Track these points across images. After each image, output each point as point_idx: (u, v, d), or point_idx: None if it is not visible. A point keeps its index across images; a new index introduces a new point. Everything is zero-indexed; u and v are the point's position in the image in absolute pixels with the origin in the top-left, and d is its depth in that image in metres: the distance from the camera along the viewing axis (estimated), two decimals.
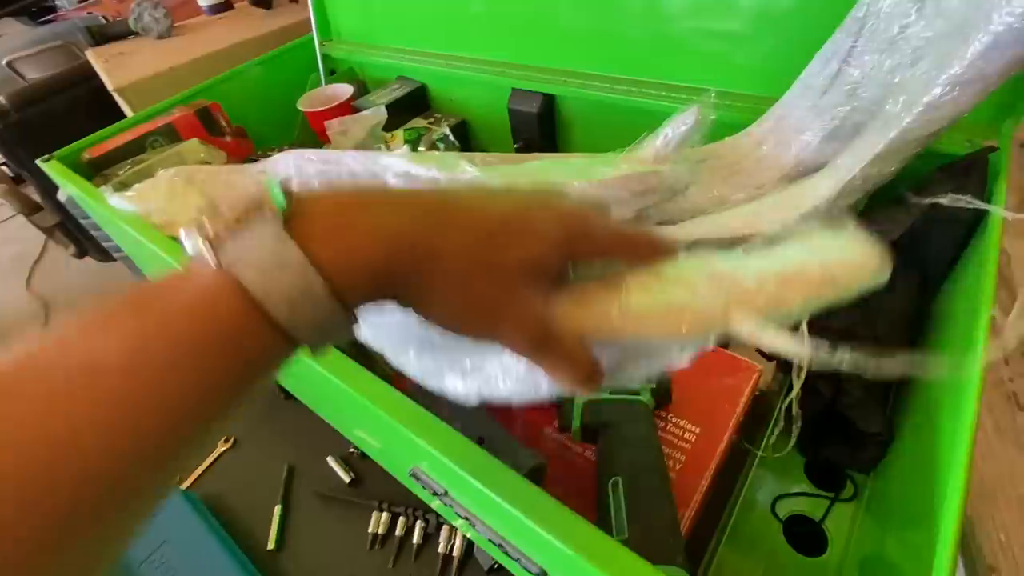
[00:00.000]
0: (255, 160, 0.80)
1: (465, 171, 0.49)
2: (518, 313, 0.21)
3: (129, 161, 0.72)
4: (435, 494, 0.34)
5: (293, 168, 0.56)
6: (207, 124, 0.81)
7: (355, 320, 0.20)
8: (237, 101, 0.87)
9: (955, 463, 0.25)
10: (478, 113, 0.83)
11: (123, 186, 0.65)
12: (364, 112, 0.78)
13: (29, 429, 0.14)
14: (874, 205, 0.43)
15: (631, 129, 0.66)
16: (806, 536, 0.39)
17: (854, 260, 0.25)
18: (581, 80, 0.68)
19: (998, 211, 0.36)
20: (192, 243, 0.18)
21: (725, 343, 0.46)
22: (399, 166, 0.51)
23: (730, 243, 0.46)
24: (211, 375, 0.17)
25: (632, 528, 0.28)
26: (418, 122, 0.85)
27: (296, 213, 0.18)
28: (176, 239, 0.52)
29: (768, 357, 0.45)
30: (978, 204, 0.36)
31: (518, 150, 0.76)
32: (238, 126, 0.86)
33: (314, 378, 0.39)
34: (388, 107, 0.80)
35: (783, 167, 0.48)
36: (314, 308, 0.18)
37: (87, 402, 0.15)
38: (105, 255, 1.64)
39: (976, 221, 0.39)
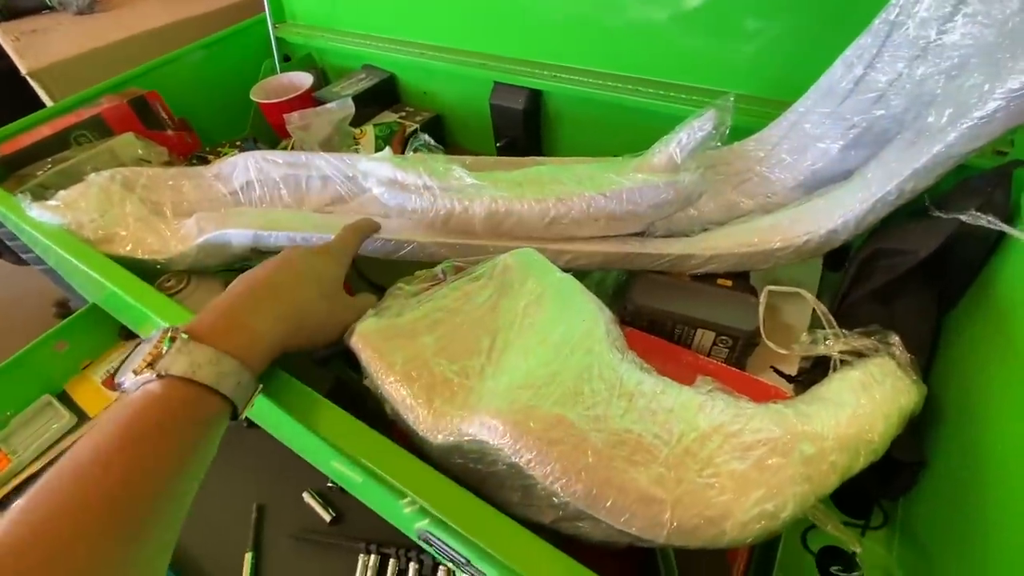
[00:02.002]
0: (203, 157, 0.71)
1: (461, 179, 0.43)
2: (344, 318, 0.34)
3: (50, 160, 0.61)
4: (454, 562, 0.30)
5: (253, 171, 0.49)
6: (143, 116, 0.71)
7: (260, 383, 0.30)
8: (178, 89, 0.77)
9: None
10: (455, 107, 0.77)
11: (43, 190, 0.55)
12: (329, 105, 0.71)
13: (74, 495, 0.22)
14: (890, 218, 0.42)
15: (624, 129, 0.63)
16: (840, 567, 0.37)
17: (904, 401, 0.30)
18: (570, 75, 0.63)
19: (1022, 236, 0.34)
20: (132, 381, 0.26)
21: (742, 365, 0.44)
22: (383, 172, 0.45)
23: (750, 257, 0.43)
24: (185, 432, 0.26)
25: None
26: (388, 116, 0.78)
27: (203, 332, 0.28)
28: (112, 256, 0.44)
29: (789, 379, 0.43)
30: (1002, 227, 0.35)
31: (500, 149, 0.71)
32: (181, 118, 0.76)
33: (281, 421, 0.33)
34: (354, 99, 0.73)
35: (798, 175, 0.46)
36: (234, 379, 0.28)
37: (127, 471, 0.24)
38: (20, 258, 1.46)
39: (1000, 239, 0.38)
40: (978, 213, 0.35)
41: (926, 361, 0.41)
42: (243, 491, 0.56)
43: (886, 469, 0.38)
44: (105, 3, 1.12)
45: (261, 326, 0.30)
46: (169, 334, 0.27)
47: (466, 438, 0.25)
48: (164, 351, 0.26)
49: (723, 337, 0.41)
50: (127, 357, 0.28)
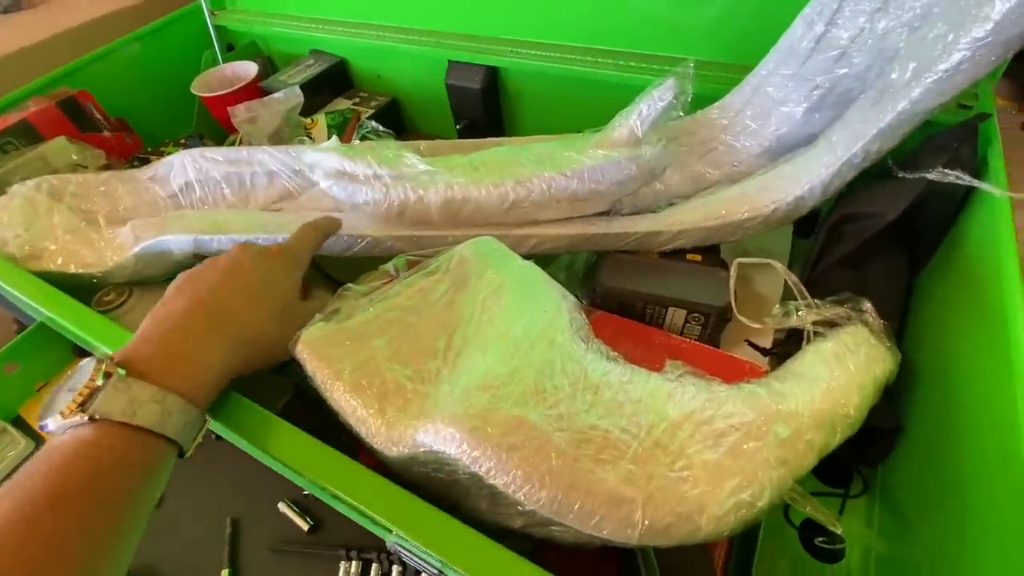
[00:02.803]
0: (145, 158, 0.67)
1: (413, 166, 0.41)
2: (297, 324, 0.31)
3: None
4: (427, 573, 0.28)
5: (192, 171, 0.46)
6: (75, 118, 0.66)
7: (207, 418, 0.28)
8: (114, 87, 0.73)
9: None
10: (411, 90, 0.73)
11: None
12: (275, 95, 0.67)
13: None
14: (857, 181, 0.41)
15: (586, 103, 0.60)
16: (823, 538, 0.37)
17: (879, 370, 0.30)
18: (528, 50, 0.60)
19: (992, 190, 0.33)
20: (59, 425, 0.23)
21: (715, 341, 0.43)
22: (329, 164, 0.42)
23: (718, 230, 0.42)
24: (122, 484, 0.23)
25: None
26: (341, 103, 0.74)
27: (142, 366, 0.25)
28: (42, 273, 0.41)
29: (764, 351, 0.42)
30: (971, 181, 0.34)
31: (460, 131, 0.68)
32: (118, 118, 0.71)
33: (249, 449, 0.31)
34: (303, 87, 0.69)
35: (763, 141, 0.44)
36: (178, 418, 0.25)
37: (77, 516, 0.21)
38: None
39: (968, 195, 0.37)
40: (945, 170, 0.34)
41: (899, 324, 0.40)
42: (216, 506, 0.54)
43: (864, 437, 0.37)
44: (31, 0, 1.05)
45: (209, 357, 0.27)
46: (103, 368, 0.24)
47: (422, 449, 0.23)
48: (97, 389, 0.23)
49: (694, 314, 0.40)
50: (52, 394, 0.25)
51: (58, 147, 0.61)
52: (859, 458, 0.39)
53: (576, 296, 0.47)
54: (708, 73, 0.51)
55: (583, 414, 0.24)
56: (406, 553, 0.28)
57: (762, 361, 0.42)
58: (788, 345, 0.41)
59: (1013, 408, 0.25)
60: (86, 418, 0.23)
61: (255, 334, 0.29)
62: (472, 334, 0.28)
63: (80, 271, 0.42)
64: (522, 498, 0.21)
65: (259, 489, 0.54)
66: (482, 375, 0.25)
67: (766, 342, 0.43)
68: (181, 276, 0.32)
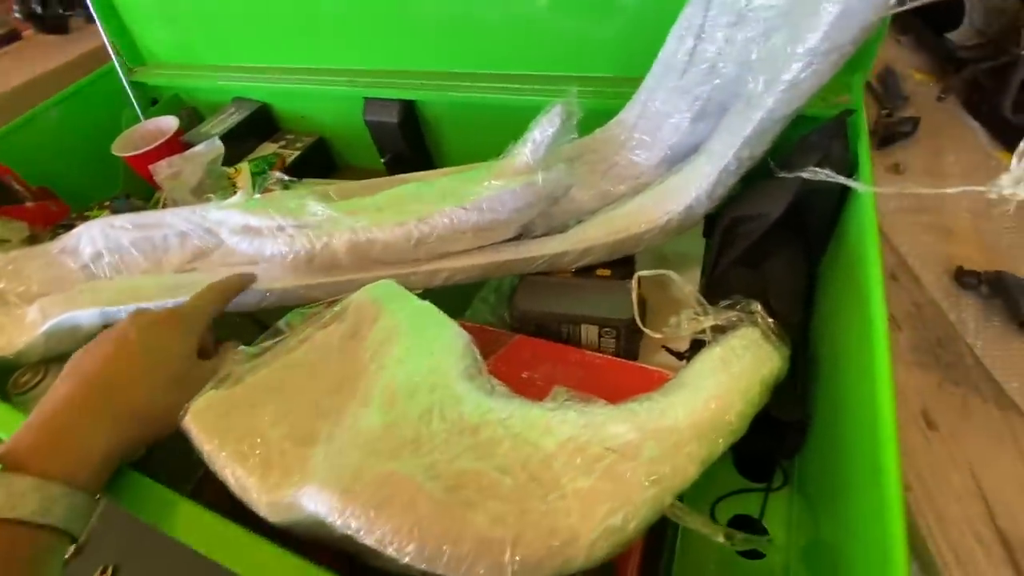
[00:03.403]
0: (71, 224, 0.66)
1: (315, 213, 0.41)
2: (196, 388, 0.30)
3: None
4: None
5: (101, 241, 0.46)
6: None
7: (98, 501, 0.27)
8: (34, 155, 0.72)
9: (880, 437, 0.24)
10: (335, 128, 0.74)
11: None
12: (196, 148, 0.67)
13: None
14: (747, 182, 0.42)
15: (502, 128, 0.61)
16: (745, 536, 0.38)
17: (767, 371, 0.31)
18: (440, 80, 0.61)
19: (856, 185, 0.35)
20: None
21: (633, 352, 0.44)
22: (234, 220, 0.42)
23: (621, 244, 0.43)
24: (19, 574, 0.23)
25: None
26: (267, 147, 0.74)
27: (19, 457, 0.25)
28: None
29: (679, 356, 0.43)
30: (839, 179, 0.35)
31: (386, 164, 0.69)
32: (40, 187, 0.71)
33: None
34: (226, 136, 0.69)
35: (658, 152, 0.45)
36: (64, 506, 0.24)
37: None
38: None
39: (846, 189, 0.38)
40: (817, 168, 0.36)
41: (803, 317, 0.42)
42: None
43: (777, 431, 0.39)
44: None
45: (92, 442, 0.27)
46: None
47: (304, 514, 0.23)
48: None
49: (606, 329, 0.41)
50: None
51: None
52: (776, 452, 0.40)
53: (506, 316, 0.48)
54: (611, 89, 0.52)
55: (458, 458, 0.24)
56: None
57: (679, 365, 0.43)
58: (700, 347, 0.42)
59: (872, 394, 0.26)
60: None
61: (143, 407, 0.29)
62: (359, 386, 0.28)
63: None
64: (393, 553, 0.21)
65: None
66: (357, 432, 0.25)
67: (683, 346, 0.44)
68: (75, 355, 0.32)
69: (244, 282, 0.39)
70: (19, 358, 0.43)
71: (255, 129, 0.75)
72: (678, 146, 0.44)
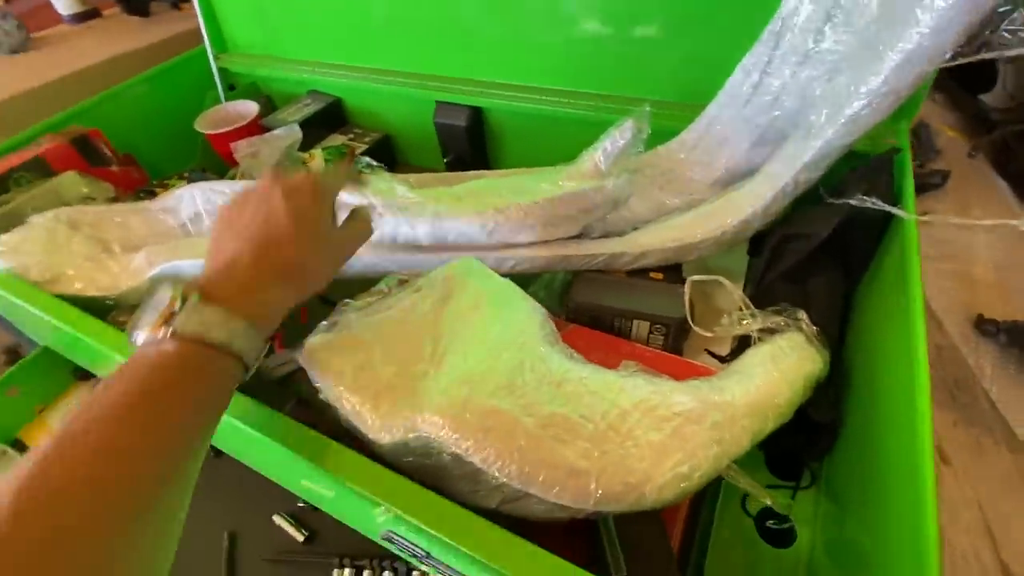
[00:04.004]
0: (151, 191, 0.71)
1: (404, 196, 0.46)
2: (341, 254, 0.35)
3: None
4: (415, 557, 0.32)
5: (200, 202, 0.50)
6: (86, 153, 0.71)
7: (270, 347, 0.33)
8: (121, 125, 0.77)
9: (913, 450, 0.27)
10: (402, 127, 0.79)
11: None
12: (275, 131, 0.72)
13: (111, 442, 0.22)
14: (796, 207, 0.46)
15: (562, 139, 0.66)
16: (777, 529, 0.41)
17: (810, 368, 0.35)
18: (508, 92, 0.67)
19: (900, 213, 0.39)
20: (146, 338, 0.27)
21: (679, 350, 0.47)
22: None
23: (676, 251, 0.47)
24: (200, 390, 0.26)
25: (631, 566, 0.27)
26: (336, 139, 0.79)
27: (212, 294, 0.28)
28: (60, 296, 0.44)
29: (720, 359, 0.47)
30: (884, 206, 0.40)
31: (448, 164, 0.74)
32: (126, 154, 0.76)
33: (255, 442, 0.34)
34: (301, 124, 0.75)
35: (714, 172, 0.50)
36: (253, 343, 0.28)
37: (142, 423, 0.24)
38: None
39: (889, 217, 0.42)
40: (864, 197, 0.40)
41: (838, 331, 0.45)
42: (213, 520, 0.56)
43: (810, 432, 0.42)
44: (37, 41, 1.10)
45: (264, 293, 0.29)
46: (181, 293, 0.27)
47: (411, 435, 0.27)
48: (177, 310, 0.26)
49: (657, 326, 0.45)
50: (137, 313, 0.29)
51: (69, 181, 0.66)
52: (807, 452, 0.43)
53: (554, 310, 0.52)
54: (667, 112, 0.57)
55: (547, 403, 0.28)
56: (399, 539, 0.32)
57: (720, 367, 0.46)
58: (742, 352, 0.45)
59: (912, 404, 0.29)
60: (168, 334, 0.26)
61: (298, 265, 0.30)
62: (455, 341, 0.32)
63: (96, 294, 0.46)
64: (496, 472, 0.25)
65: (255, 503, 0.56)
66: (462, 372, 0.29)
67: (723, 350, 0.47)
68: (222, 214, 0.33)
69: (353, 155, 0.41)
70: (120, 300, 0.47)
71: (326, 120, 0.80)
72: (733, 168, 0.49)
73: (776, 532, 0.39)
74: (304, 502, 0.56)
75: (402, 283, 0.38)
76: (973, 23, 0.30)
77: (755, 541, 0.40)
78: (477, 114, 0.69)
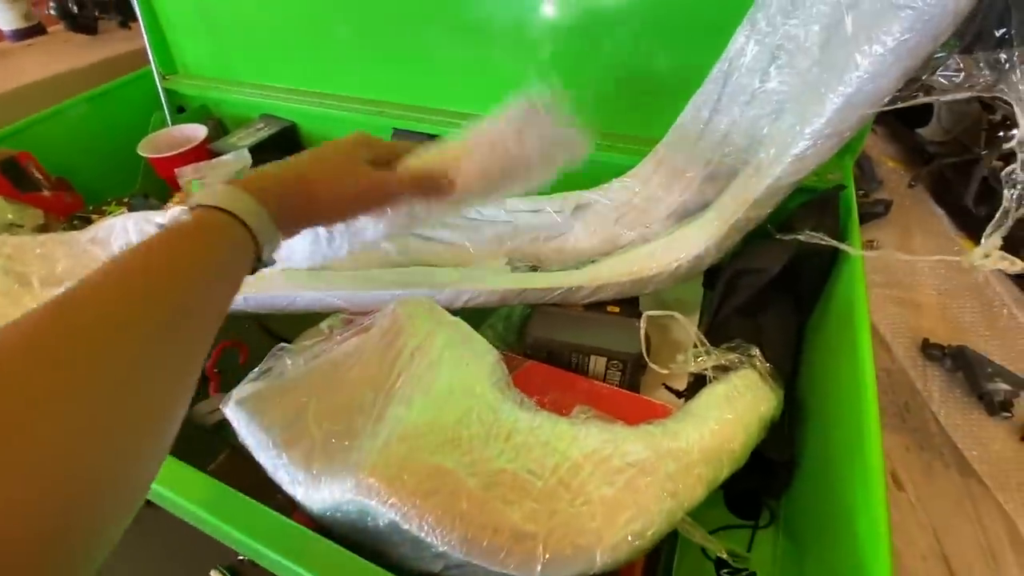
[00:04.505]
0: (86, 217, 0.67)
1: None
2: (372, 196, 0.36)
3: None
4: None
5: (133, 234, 0.47)
6: (14, 178, 0.66)
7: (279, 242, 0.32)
8: (58, 147, 0.73)
9: (868, 482, 0.27)
10: None
11: None
12: (224, 156, 0.69)
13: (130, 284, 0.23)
14: (748, 241, 0.46)
15: None
16: (737, 569, 0.40)
17: (764, 409, 0.34)
18: (462, 120, 0.66)
19: (847, 248, 0.40)
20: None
21: (636, 385, 0.46)
22: None
23: (632, 284, 0.46)
24: (216, 251, 0.27)
25: None
26: None
27: (243, 186, 0.30)
28: None
29: (678, 394, 0.46)
30: (831, 242, 0.40)
31: None
32: (59, 177, 0.72)
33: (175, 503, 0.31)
34: (253, 149, 0.72)
35: (668, 206, 0.50)
36: (264, 226, 0.29)
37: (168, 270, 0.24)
38: None
39: (835, 253, 0.43)
40: (812, 233, 0.40)
41: (791, 365, 0.45)
42: (145, 571, 0.52)
43: (766, 471, 0.41)
44: None
45: (291, 200, 0.31)
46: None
47: (345, 499, 0.25)
48: (190, 192, 0.28)
49: (614, 361, 0.44)
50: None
51: None
52: (765, 491, 0.43)
53: (512, 344, 0.50)
54: (622, 145, 0.57)
55: (494, 459, 0.26)
56: None
57: (677, 402, 0.45)
58: (698, 387, 0.45)
59: (861, 436, 0.29)
60: (187, 208, 0.27)
61: (309, 182, 0.33)
62: (398, 388, 0.30)
63: None
64: (436, 540, 0.23)
65: (191, 556, 0.52)
66: (403, 427, 0.27)
67: (681, 384, 0.47)
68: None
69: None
70: None
71: (279, 145, 0.78)
72: (687, 203, 0.49)
73: (735, 569, 0.38)
74: (244, 556, 0.52)
75: (347, 322, 0.36)
76: (911, 68, 0.31)
77: None
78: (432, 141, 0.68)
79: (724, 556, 0.28)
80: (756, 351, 0.38)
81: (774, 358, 0.42)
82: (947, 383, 0.73)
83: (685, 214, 0.49)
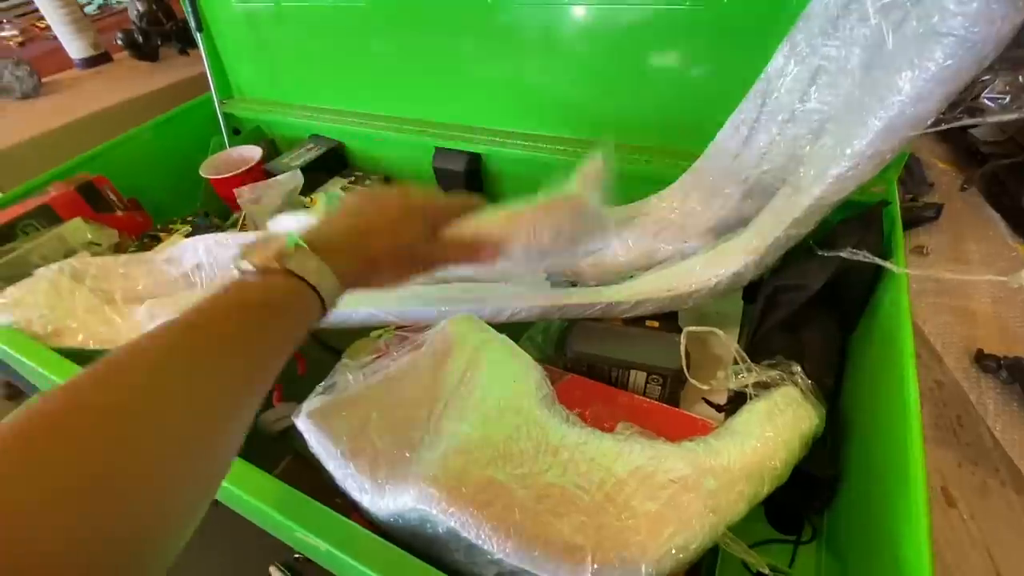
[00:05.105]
0: (155, 235, 0.72)
1: None
2: (423, 269, 0.36)
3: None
4: None
5: (203, 254, 0.51)
6: (92, 200, 0.72)
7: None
8: (128, 170, 0.79)
9: (912, 498, 0.27)
10: (401, 171, 0.81)
11: None
12: (278, 177, 0.74)
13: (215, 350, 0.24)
14: (788, 256, 0.47)
15: (554, 183, 0.68)
16: None
17: (806, 426, 0.35)
18: (507, 138, 0.68)
19: (891, 267, 0.40)
20: (245, 264, 0.28)
21: (675, 400, 0.47)
22: None
23: (672, 300, 0.47)
24: (286, 319, 0.28)
25: None
26: (338, 182, 0.81)
27: (315, 247, 0.30)
28: (61, 350, 0.45)
29: (718, 408, 0.47)
30: (875, 260, 0.40)
31: None
32: (130, 199, 0.78)
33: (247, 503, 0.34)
34: (303, 169, 0.76)
35: (706, 222, 0.51)
36: (332, 290, 0.30)
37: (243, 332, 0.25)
38: None
39: (879, 269, 0.43)
40: (854, 250, 0.40)
41: (834, 381, 0.45)
42: (208, 570, 0.55)
43: (809, 487, 0.42)
44: (50, 85, 1.13)
45: (350, 260, 0.32)
46: (295, 241, 0.30)
47: (407, 507, 0.27)
48: (290, 252, 0.29)
49: (654, 376, 0.45)
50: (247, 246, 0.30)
51: (74, 227, 0.67)
52: (806, 506, 0.43)
53: (552, 356, 0.52)
54: (660, 160, 0.58)
55: (543, 473, 0.28)
56: None
57: (717, 417, 0.46)
58: (739, 401, 0.45)
59: (905, 463, 0.29)
60: (280, 268, 0.28)
61: (382, 256, 0.33)
62: (453, 404, 0.32)
63: (97, 347, 0.47)
64: (492, 548, 0.25)
65: (250, 553, 0.56)
66: (459, 441, 0.29)
67: (721, 399, 0.47)
68: (350, 198, 0.38)
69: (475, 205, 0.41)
70: None
71: (328, 164, 0.82)
72: (726, 219, 0.49)
73: None
74: (300, 553, 0.55)
75: (401, 340, 0.39)
76: (953, 92, 0.31)
77: None
78: (475, 160, 0.71)
79: (765, 571, 0.29)
80: (797, 368, 0.39)
81: (816, 373, 0.42)
82: (1003, 396, 0.70)
83: (724, 230, 0.49)
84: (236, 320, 0.25)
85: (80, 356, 0.45)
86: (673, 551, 0.26)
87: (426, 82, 0.73)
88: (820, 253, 0.42)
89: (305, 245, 0.30)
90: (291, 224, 0.49)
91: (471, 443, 0.29)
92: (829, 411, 0.40)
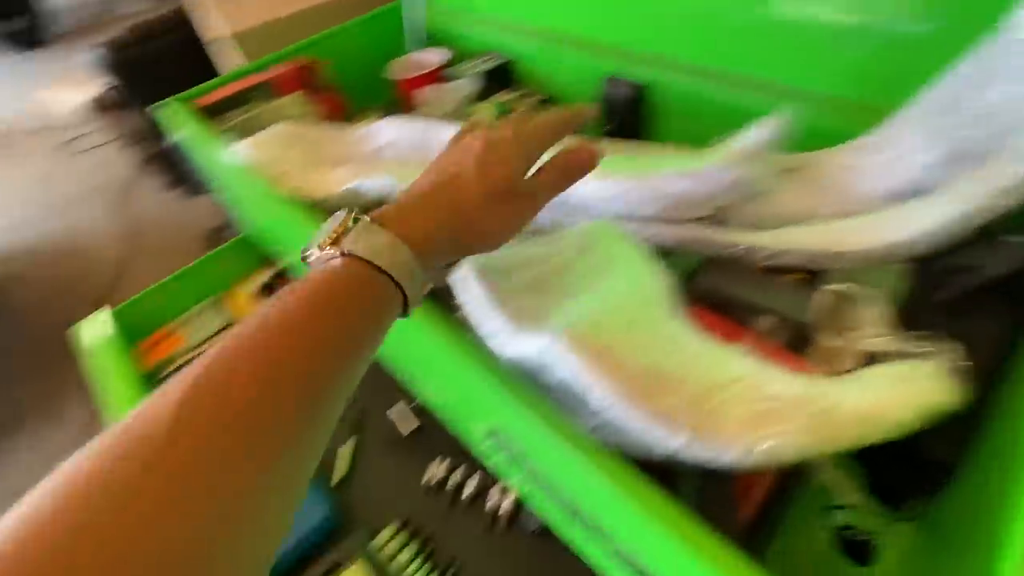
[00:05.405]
0: (349, 121, 0.84)
1: None
2: (531, 208, 0.33)
3: (238, 110, 0.77)
4: (512, 458, 0.38)
5: (395, 133, 0.60)
6: (308, 81, 0.85)
7: (431, 280, 0.30)
8: (334, 59, 0.91)
9: None
10: (567, 91, 0.83)
11: (234, 131, 0.70)
12: (455, 82, 0.80)
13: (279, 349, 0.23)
14: (968, 236, 0.42)
15: (722, 125, 0.65)
16: (854, 541, 0.40)
17: (935, 400, 0.31)
18: (682, 71, 0.67)
19: None
20: (317, 256, 0.27)
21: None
22: None
23: (822, 256, 0.46)
24: (364, 316, 0.26)
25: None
26: (505, 95, 0.86)
27: (383, 219, 0.28)
28: (285, 194, 0.57)
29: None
30: None
31: (606, 133, 0.76)
32: (334, 85, 0.90)
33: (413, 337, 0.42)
34: (475, 80, 0.82)
35: (883, 186, 0.47)
36: (409, 268, 0.27)
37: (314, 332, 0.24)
38: (194, 190, 1.76)
39: None
40: None
41: (991, 375, 0.41)
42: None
43: (920, 467, 0.40)
44: None
45: (433, 231, 0.29)
46: (353, 215, 0.27)
47: (533, 353, 0.32)
48: (348, 228, 0.27)
49: (781, 327, 0.45)
50: (314, 235, 0.28)
51: (294, 101, 0.80)
52: (914, 487, 0.41)
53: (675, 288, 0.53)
54: (843, 112, 0.54)
55: (654, 353, 0.31)
56: (500, 436, 0.38)
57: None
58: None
59: None
60: (338, 252, 0.26)
61: (472, 211, 0.30)
62: (587, 285, 0.36)
63: (306, 196, 0.58)
64: (597, 397, 0.29)
65: (377, 392, 0.67)
66: (589, 312, 0.33)
67: (846, 366, 0.46)
68: (438, 156, 0.34)
69: (583, 117, 0.37)
70: (317, 205, 0.58)
71: (499, 78, 0.87)
72: (906, 185, 0.45)
73: (853, 544, 0.39)
74: (415, 401, 0.65)
75: (534, 234, 0.43)
76: None
77: (828, 551, 0.40)
78: (643, 89, 0.71)
79: (855, 500, 0.30)
80: (953, 347, 0.36)
81: (983, 362, 0.39)
82: None
83: (899, 196, 0.45)
84: (287, 345, 0.22)
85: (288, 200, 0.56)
86: (763, 447, 0.28)
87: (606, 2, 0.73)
88: (1009, 240, 0.38)
89: (367, 218, 0.27)
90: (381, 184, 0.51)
91: (598, 314, 0.33)
92: (976, 404, 0.37)
